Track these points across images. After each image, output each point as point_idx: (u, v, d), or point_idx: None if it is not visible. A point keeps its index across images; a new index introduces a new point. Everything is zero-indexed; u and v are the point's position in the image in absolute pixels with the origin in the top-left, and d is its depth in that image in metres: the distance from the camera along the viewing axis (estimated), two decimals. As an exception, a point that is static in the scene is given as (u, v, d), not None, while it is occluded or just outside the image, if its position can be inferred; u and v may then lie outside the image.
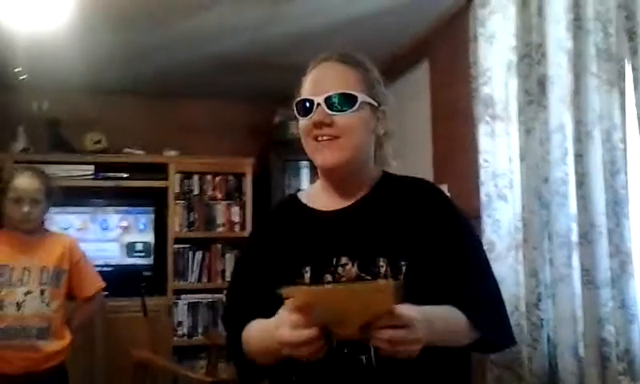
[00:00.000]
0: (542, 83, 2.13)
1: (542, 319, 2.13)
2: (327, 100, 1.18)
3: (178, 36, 3.36)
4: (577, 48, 1.96)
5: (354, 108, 1.19)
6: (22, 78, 2.66)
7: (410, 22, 3.24)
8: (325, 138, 1.19)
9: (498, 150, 2.46)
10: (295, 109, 1.23)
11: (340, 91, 1.18)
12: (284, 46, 3.49)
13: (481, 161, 2.52)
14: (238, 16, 3.10)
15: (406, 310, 0.98)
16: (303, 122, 1.21)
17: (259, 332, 1.20)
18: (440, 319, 1.10)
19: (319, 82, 1.21)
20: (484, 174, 2.51)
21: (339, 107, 1.18)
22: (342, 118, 1.18)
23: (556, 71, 2.08)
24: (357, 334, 0.98)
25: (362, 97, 1.20)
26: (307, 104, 1.20)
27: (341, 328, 0.99)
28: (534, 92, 2.19)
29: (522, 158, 2.26)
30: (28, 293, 2.36)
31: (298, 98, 1.23)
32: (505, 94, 2.45)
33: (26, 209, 2.39)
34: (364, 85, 1.23)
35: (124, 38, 3.37)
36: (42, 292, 2.39)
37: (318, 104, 1.18)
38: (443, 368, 1.19)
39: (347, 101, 1.18)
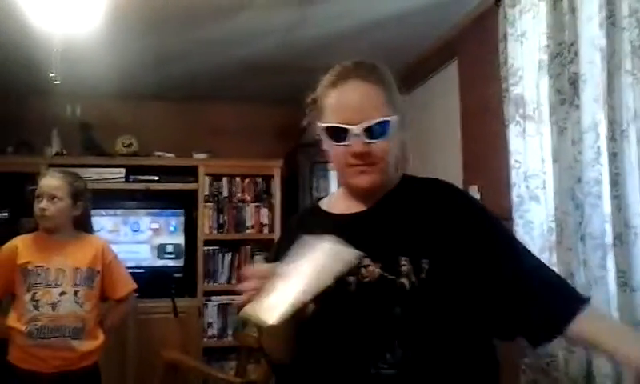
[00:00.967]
0: (575, 82, 2.09)
1: (577, 323, 2.09)
2: (364, 131, 1.18)
3: (208, 40, 3.39)
4: (610, 45, 1.92)
5: (389, 133, 1.20)
6: (55, 82, 2.71)
7: (439, 21, 3.22)
8: (363, 167, 1.21)
9: (530, 150, 2.42)
10: (325, 132, 1.23)
11: (376, 121, 1.18)
12: (312, 49, 3.50)
13: (512, 162, 2.48)
14: (267, 19, 3.11)
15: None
16: (338, 148, 1.22)
17: None
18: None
19: (350, 108, 1.20)
20: (515, 175, 2.47)
21: (376, 135, 1.19)
22: (378, 146, 1.20)
23: (589, 70, 2.04)
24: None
25: (393, 119, 1.21)
26: (341, 131, 1.20)
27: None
28: (566, 91, 2.15)
29: (555, 159, 2.22)
30: (63, 293, 2.40)
31: (329, 124, 1.22)
32: (536, 94, 2.41)
33: (43, 204, 2.43)
34: (391, 102, 1.23)
35: (154, 42, 3.42)
36: (76, 293, 2.43)
37: (355, 134, 1.18)
38: (471, 374, 1.18)
39: (382, 128, 1.19)
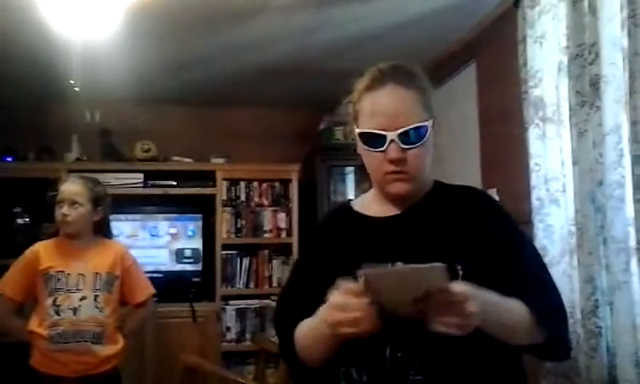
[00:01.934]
0: (596, 84, 2.06)
1: (599, 327, 2.05)
2: (400, 137, 1.17)
3: (225, 45, 3.41)
4: (632, 46, 1.89)
5: (425, 138, 1.19)
6: (75, 89, 2.73)
7: (456, 24, 3.20)
8: (399, 174, 1.20)
9: (550, 153, 2.39)
10: (360, 138, 1.22)
11: (412, 127, 1.17)
12: (330, 53, 3.50)
13: (532, 164, 2.46)
14: (284, 24, 3.12)
15: (459, 285, 0.99)
16: (374, 154, 1.21)
17: (310, 323, 1.21)
18: (496, 301, 1.09)
19: (386, 113, 1.18)
20: (535, 178, 2.44)
21: (412, 142, 1.18)
22: (413, 152, 1.19)
23: (610, 71, 2.01)
24: (410, 312, 1.00)
25: (429, 124, 1.20)
26: (377, 137, 1.19)
27: (394, 307, 1.01)
28: (586, 93, 2.12)
29: (575, 161, 2.20)
30: (83, 298, 2.42)
31: (364, 130, 1.21)
32: (556, 96, 2.39)
33: (64, 210, 2.45)
34: (426, 106, 1.22)
35: (172, 47, 3.44)
36: (96, 297, 2.44)
37: (392, 140, 1.17)
38: (500, 377, 1.16)
39: (418, 134, 1.18)
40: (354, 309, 1.00)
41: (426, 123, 1.19)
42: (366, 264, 0.99)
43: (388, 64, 1.25)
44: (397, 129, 1.17)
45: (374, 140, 1.19)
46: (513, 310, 1.12)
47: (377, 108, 1.20)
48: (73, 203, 2.47)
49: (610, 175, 2.00)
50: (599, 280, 2.07)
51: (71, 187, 2.50)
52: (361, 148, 1.24)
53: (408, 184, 1.21)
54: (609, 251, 2.00)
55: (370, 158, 1.23)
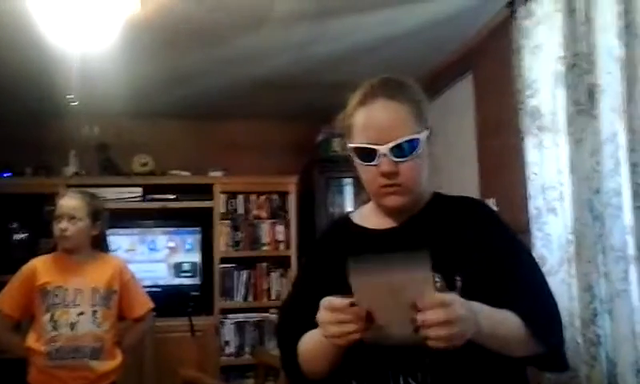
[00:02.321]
0: (592, 92, 2.07)
1: (599, 336, 2.05)
2: (392, 150, 1.17)
3: (222, 58, 3.42)
4: (629, 55, 1.90)
5: (418, 151, 1.19)
6: (73, 104, 2.74)
7: (453, 35, 3.22)
8: (392, 188, 1.20)
9: (547, 162, 2.40)
10: (354, 152, 1.23)
11: (404, 140, 1.17)
12: (327, 65, 3.51)
13: (529, 174, 2.46)
14: (281, 37, 3.13)
15: (444, 294, 1.00)
16: (367, 168, 1.21)
17: (311, 336, 1.20)
18: (489, 312, 1.08)
19: (378, 127, 1.19)
20: (532, 187, 2.45)
21: (404, 154, 1.18)
22: (406, 164, 1.19)
23: (606, 80, 2.02)
24: (409, 335, 0.98)
25: (422, 136, 1.20)
26: (369, 151, 1.19)
27: (388, 319, 1.00)
28: (583, 102, 2.13)
29: (572, 170, 2.20)
30: (81, 314, 2.41)
31: (356, 145, 1.21)
32: (552, 105, 2.39)
33: (63, 225, 2.44)
34: (419, 118, 1.21)
35: (169, 61, 3.45)
36: (94, 312, 2.43)
37: (384, 154, 1.17)
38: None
39: (410, 146, 1.18)
40: (344, 314, 1.01)
41: (418, 136, 1.19)
42: (352, 262, 0.97)
43: (379, 78, 1.25)
44: (388, 142, 1.17)
45: (366, 154, 1.20)
46: (507, 322, 1.11)
47: (368, 122, 1.21)
48: (71, 218, 2.46)
49: (608, 183, 2.00)
50: (598, 288, 2.07)
51: (69, 202, 2.49)
52: (356, 162, 1.25)
53: (402, 197, 1.21)
54: (607, 259, 2.00)
55: (364, 171, 1.23)
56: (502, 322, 1.11)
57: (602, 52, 2.04)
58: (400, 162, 1.18)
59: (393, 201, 1.22)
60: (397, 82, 1.24)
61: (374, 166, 1.19)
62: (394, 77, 1.26)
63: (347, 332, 1.01)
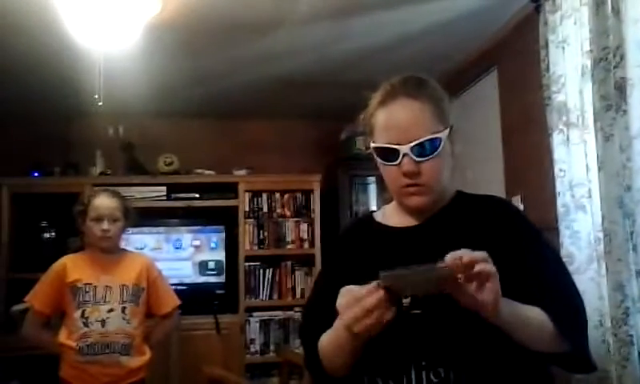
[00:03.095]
0: (621, 87, 2.03)
1: (630, 336, 2.01)
2: (413, 149, 1.17)
3: (246, 58, 3.44)
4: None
5: (439, 150, 1.18)
6: (99, 104, 2.78)
7: (477, 30, 3.18)
8: (415, 188, 1.20)
9: (574, 158, 2.36)
10: (375, 153, 1.23)
11: (425, 139, 1.17)
12: (349, 63, 3.50)
13: (556, 170, 2.43)
14: (303, 36, 3.14)
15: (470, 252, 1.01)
16: (389, 168, 1.21)
17: (331, 331, 1.20)
18: (514, 304, 1.08)
19: (399, 126, 1.19)
20: (560, 184, 2.41)
21: (425, 153, 1.18)
22: (428, 164, 1.18)
23: (636, 73, 1.98)
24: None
25: (443, 134, 1.19)
26: (391, 151, 1.19)
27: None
28: (611, 97, 2.09)
29: (601, 167, 2.16)
30: (111, 310, 2.45)
31: (378, 145, 1.22)
32: (580, 101, 2.36)
33: (105, 226, 2.49)
34: (440, 117, 1.21)
35: (193, 60, 3.48)
36: (123, 309, 2.47)
37: (405, 154, 1.17)
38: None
39: (432, 145, 1.18)
40: (366, 299, 1.02)
41: (439, 134, 1.18)
42: (382, 271, 1.00)
43: (399, 77, 1.25)
44: (410, 142, 1.17)
45: (387, 154, 1.20)
46: (532, 314, 1.11)
47: (389, 122, 1.21)
48: (113, 219, 2.51)
49: (639, 180, 1.96)
50: (629, 287, 2.03)
51: (109, 203, 2.53)
52: (378, 162, 1.25)
53: (425, 197, 1.21)
54: (639, 258, 1.96)
55: (386, 171, 1.23)
56: (527, 315, 1.10)
57: (631, 45, 2.00)
58: (422, 161, 1.18)
59: (415, 201, 1.22)
60: (417, 81, 1.24)
61: (396, 165, 1.19)
62: (414, 75, 1.25)
63: (367, 309, 1.02)
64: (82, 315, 2.42)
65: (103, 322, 2.42)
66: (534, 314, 1.11)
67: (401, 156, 1.18)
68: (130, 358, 2.46)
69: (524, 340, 1.10)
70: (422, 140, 1.17)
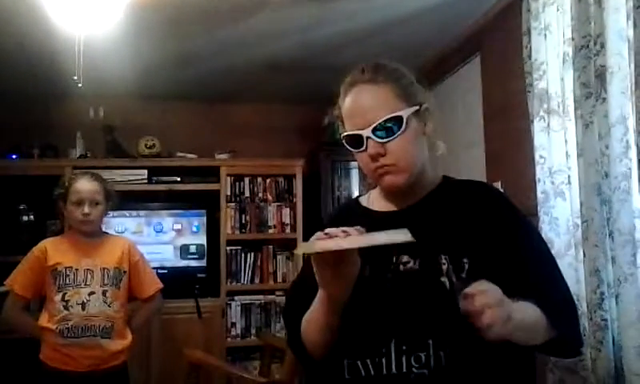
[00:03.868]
0: (602, 75, 2.04)
1: (605, 320, 2.05)
2: (374, 131, 1.17)
3: (227, 41, 3.40)
4: (638, 37, 1.88)
5: (403, 128, 1.18)
6: (79, 85, 2.73)
7: (460, 17, 3.18)
8: (384, 168, 1.20)
9: (555, 145, 2.39)
10: (345, 142, 1.24)
11: (383, 118, 1.17)
12: (332, 47, 3.49)
13: (537, 157, 2.45)
14: (286, 19, 3.11)
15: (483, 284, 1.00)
16: (360, 155, 1.22)
17: (311, 308, 1.22)
18: (519, 308, 1.05)
19: (359, 112, 1.20)
20: (540, 171, 2.44)
21: (388, 134, 1.18)
22: (393, 143, 1.18)
23: (616, 61, 2.00)
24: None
25: (405, 112, 1.19)
26: (356, 138, 1.20)
27: None
28: (592, 84, 2.11)
29: (580, 154, 2.19)
30: (92, 293, 2.44)
31: (345, 133, 1.23)
32: (561, 88, 2.38)
33: (86, 210, 2.47)
34: (402, 96, 1.21)
35: (174, 43, 3.44)
36: (104, 292, 2.46)
37: (368, 137, 1.18)
38: (508, 372, 1.16)
39: (393, 124, 1.18)
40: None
41: (400, 112, 1.18)
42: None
43: (359, 66, 1.26)
44: (369, 125, 1.17)
45: (354, 141, 1.21)
46: (529, 313, 1.10)
47: (351, 111, 1.22)
48: (93, 202, 2.49)
49: (616, 167, 1.99)
50: (605, 273, 2.06)
51: (90, 186, 2.51)
52: (356, 156, 1.26)
53: (397, 176, 1.21)
54: (615, 244, 1.99)
55: (358, 158, 1.24)
56: (524, 317, 1.08)
57: (612, 34, 2.01)
58: (385, 141, 1.18)
59: (388, 181, 1.22)
60: (374, 66, 1.24)
61: (364, 151, 1.20)
62: (372, 62, 1.26)
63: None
64: (63, 298, 2.41)
65: (84, 305, 2.41)
66: (530, 314, 1.10)
67: (365, 140, 1.18)
68: (110, 341, 2.45)
69: (521, 342, 1.10)
70: (380, 120, 1.17)
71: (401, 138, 1.18)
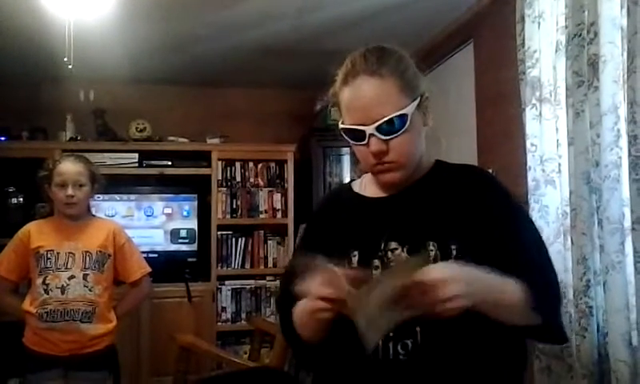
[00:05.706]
0: (594, 63, 2.04)
1: (590, 307, 2.06)
2: (378, 129, 1.14)
3: (220, 25, 3.37)
4: (631, 25, 1.87)
5: (407, 125, 1.15)
6: (69, 68, 2.71)
7: (454, 3, 3.17)
8: (385, 165, 1.18)
9: (546, 133, 2.39)
10: (344, 133, 1.20)
11: (389, 116, 1.13)
12: (325, 32, 3.46)
13: (528, 145, 2.45)
14: (279, 2, 3.08)
15: (434, 270, 1.00)
16: (359, 148, 1.20)
17: (301, 303, 1.20)
18: (488, 279, 1.05)
19: (362, 107, 1.16)
20: (531, 159, 2.44)
21: (392, 131, 1.15)
22: (396, 140, 1.16)
23: (609, 50, 1.99)
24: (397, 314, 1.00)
25: (409, 108, 1.16)
26: (357, 132, 1.17)
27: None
28: (584, 73, 2.11)
29: (571, 142, 2.19)
30: (71, 277, 2.41)
31: (345, 126, 1.19)
32: (553, 76, 2.38)
33: (69, 192, 2.44)
34: (406, 90, 1.17)
35: (167, 26, 3.41)
36: (85, 276, 2.43)
37: (371, 134, 1.15)
38: (498, 358, 1.16)
39: (398, 122, 1.14)
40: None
41: (405, 110, 1.15)
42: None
43: (361, 51, 1.21)
44: (374, 122, 1.14)
45: (355, 134, 1.18)
46: (506, 288, 1.09)
47: (353, 103, 1.18)
48: (77, 184, 2.46)
49: (607, 156, 1.99)
50: (592, 260, 2.07)
51: (74, 168, 2.48)
52: (356, 149, 1.23)
53: (397, 172, 1.20)
54: (604, 232, 2.00)
55: (357, 150, 1.22)
56: (502, 289, 1.08)
57: (605, 22, 2.01)
58: (389, 139, 1.15)
59: (388, 177, 1.21)
60: (378, 54, 1.19)
61: (364, 145, 1.17)
62: (376, 47, 1.21)
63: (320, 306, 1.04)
64: (44, 282, 2.40)
65: (63, 289, 2.39)
66: (509, 290, 1.09)
67: (367, 136, 1.15)
68: (91, 325, 2.42)
69: (498, 317, 1.10)
70: (386, 118, 1.14)
71: (404, 135, 1.16)
